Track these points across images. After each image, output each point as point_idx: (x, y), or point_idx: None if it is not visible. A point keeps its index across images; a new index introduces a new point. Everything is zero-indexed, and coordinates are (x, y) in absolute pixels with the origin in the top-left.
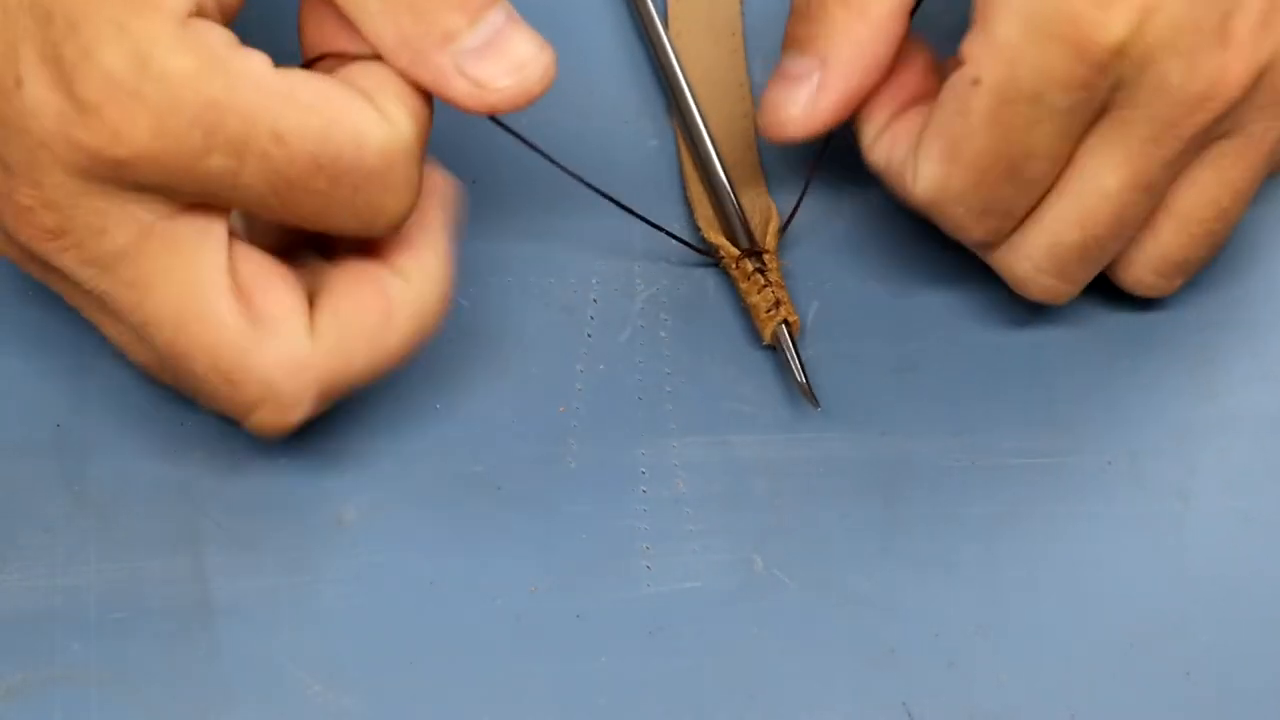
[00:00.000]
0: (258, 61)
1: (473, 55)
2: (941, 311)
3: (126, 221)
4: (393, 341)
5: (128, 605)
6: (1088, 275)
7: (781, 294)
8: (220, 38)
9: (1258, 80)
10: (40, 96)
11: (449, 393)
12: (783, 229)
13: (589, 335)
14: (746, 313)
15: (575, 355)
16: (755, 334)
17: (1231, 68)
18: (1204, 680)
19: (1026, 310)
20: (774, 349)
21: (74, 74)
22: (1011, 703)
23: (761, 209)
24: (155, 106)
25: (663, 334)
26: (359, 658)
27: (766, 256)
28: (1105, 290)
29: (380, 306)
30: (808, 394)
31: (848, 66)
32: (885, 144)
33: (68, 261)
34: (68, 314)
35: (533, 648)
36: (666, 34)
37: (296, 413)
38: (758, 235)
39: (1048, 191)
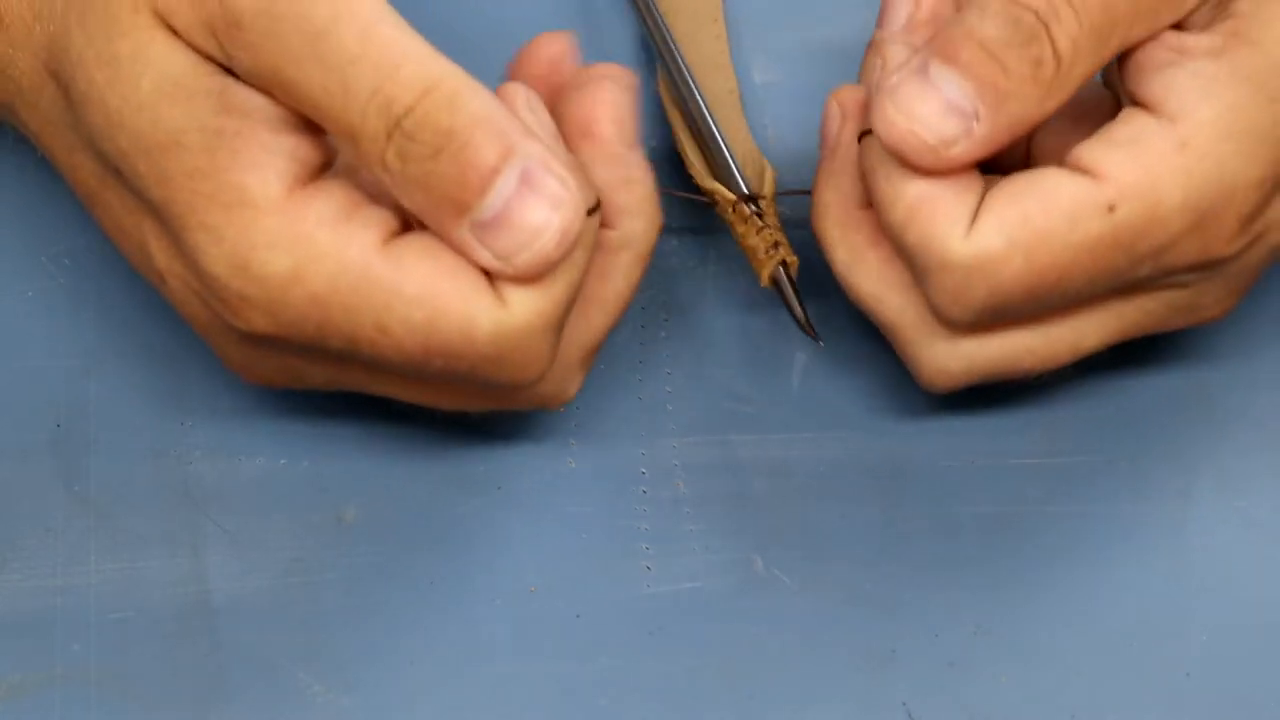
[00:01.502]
0: (365, 243)
1: (488, 227)
2: None
3: (315, 362)
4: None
5: (128, 605)
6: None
7: (780, 236)
8: (326, 213)
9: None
10: (179, 289)
11: None
12: (780, 193)
13: None
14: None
15: None
16: (755, 281)
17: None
18: (1204, 680)
19: None
20: (772, 289)
21: (192, 274)
22: (1011, 703)
23: (754, 163)
24: (263, 304)
25: (663, 334)
26: (359, 658)
27: (763, 202)
28: None
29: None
30: (809, 329)
31: (1009, 131)
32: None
33: (319, 383)
34: (68, 315)
35: (533, 648)
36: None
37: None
38: (753, 185)
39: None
